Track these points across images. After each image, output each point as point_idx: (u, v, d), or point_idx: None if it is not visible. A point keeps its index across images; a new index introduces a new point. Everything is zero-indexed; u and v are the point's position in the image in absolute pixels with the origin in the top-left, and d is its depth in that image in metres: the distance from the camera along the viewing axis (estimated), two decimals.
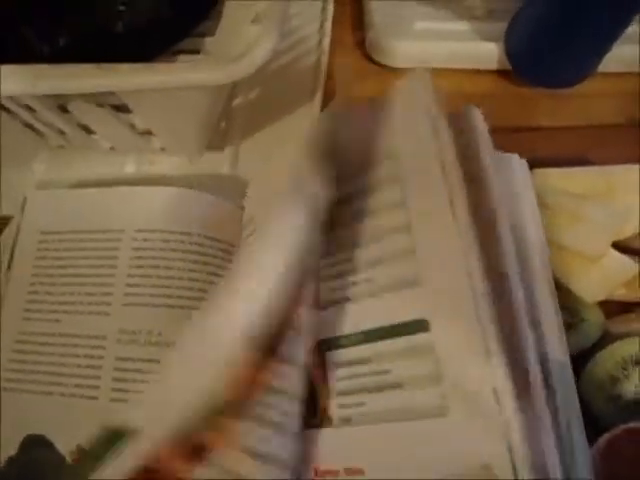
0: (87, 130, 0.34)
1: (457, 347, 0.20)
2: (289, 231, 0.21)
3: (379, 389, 0.22)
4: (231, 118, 0.39)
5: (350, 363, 0.23)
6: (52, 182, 0.38)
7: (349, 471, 0.21)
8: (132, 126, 0.34)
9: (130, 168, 0.38)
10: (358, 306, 0.23)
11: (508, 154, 0.28)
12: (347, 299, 0.24)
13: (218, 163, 0.38)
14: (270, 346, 0.20)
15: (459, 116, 0.26)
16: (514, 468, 0.18)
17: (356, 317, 0.23)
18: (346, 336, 0.23)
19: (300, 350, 0.22)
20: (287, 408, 0.21)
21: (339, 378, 0.23)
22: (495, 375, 0.19)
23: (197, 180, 0.37)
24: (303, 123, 0.39)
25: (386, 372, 0.22)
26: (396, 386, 0.21)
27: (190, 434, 0.18)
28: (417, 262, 0.22)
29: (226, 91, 0.36)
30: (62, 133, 0.35)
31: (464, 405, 0.19)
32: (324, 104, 0.40)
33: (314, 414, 0.23)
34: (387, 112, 0.26)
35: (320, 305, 0.24)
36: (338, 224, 0.25)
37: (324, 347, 0.24)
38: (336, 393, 0.22)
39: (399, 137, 0.25)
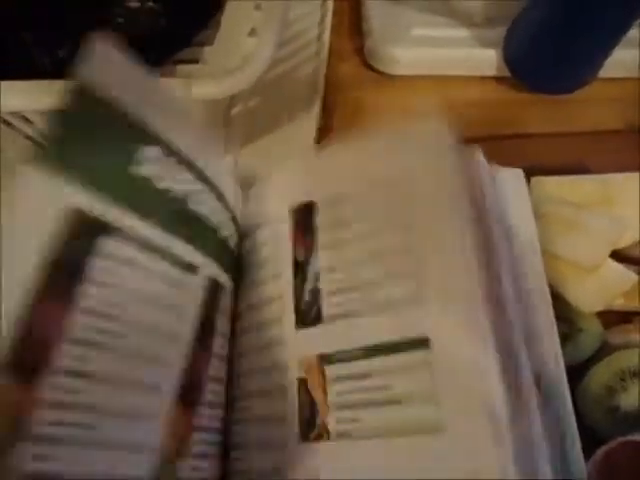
0: None
1: (456, 364, 0.21)
2: None
3: (378, 404, 0.22)
4: (230, 126, 0.40)
5: (350, 378, 0.23)
6: None
7: None
8: None
9: None
10: (358, 322, 0.24)
11: (506, 169, 0.28)
12: (347, 315, 0.24)
13: None
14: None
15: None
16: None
17: (356, 333, 0.24)
18: (346, 351, 0.23)
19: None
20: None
21: (339, 392, 0.23)
22: (493, 393, 0.20)
23: None
24: (302, 131, 0.39)
25: (385, 388, 0.22)
26: (395, 402, 0.22)
27: None
28: (418, 282, 0.23)
29: (224, 103, 0.36)
30: None
31: (461, 421, 0.20)
32: (323, 112, 0.40)
33: (313, 428, 0.23)
34: (398, 142, 0.26)
35: (321, 319, 0.25)
36: (344, 241, 0.26)
37: (324, 361, 0.24)
38: (335, 407, 0.23)
39: (411, 161, 0.25)
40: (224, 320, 0.27)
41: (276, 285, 0.28)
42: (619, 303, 0.30)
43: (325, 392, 0.23)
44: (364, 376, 0.23)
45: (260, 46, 0.27)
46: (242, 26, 0.36)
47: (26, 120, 0.32)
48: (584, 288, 0.29)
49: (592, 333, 0.29)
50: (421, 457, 0.20)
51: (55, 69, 0.31)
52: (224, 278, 0.27)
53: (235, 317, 0.30)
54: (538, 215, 0.30)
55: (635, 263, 0.30)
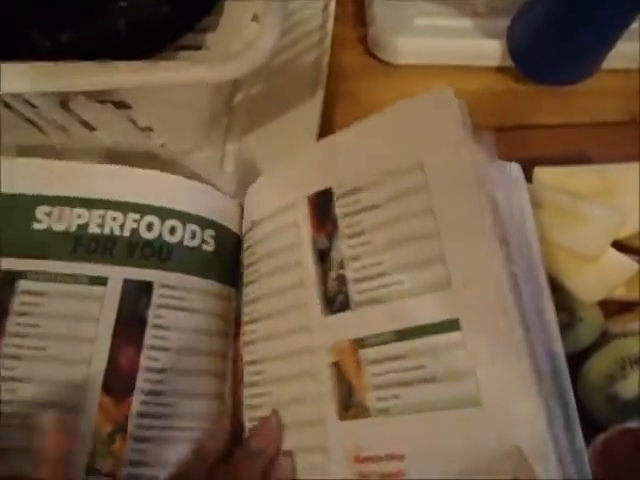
0: (88, 127, 0.34)
1: (487, 344, 0.22)
2: None
3: (414, 383, 0.24)
4: (233, 114, 0.39)
5: (384, 360, 0.25)
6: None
7: (390, 457, 0.23)
8: (133, 122, 0.34)
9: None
10: (388, 307, 0.25)
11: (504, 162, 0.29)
12: (378, 300, 0.25)
13: (219, 158, 0.38)
14: None
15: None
16: (541, 451, 0.20)
17: (387, 317, 0.25)
18: (379, 335, 0.25)
19: None
20: None
21: (375, 373, 0.25)
22: (522, 369, 0.22)
23: (197, 175, 0.37)
24: (305, 120, 0.39)
25: (420, 367, 0.24)
26: (430, 380, 0.23)
27: None
28: (447, 266, 0.24)
29: (227, 88, 0.36)
30: (64, 130, 0.35)
31: (496, 396, 0.22)
32: (325, 101, 0.40)
33: (350, 407, 0.25)
34: (410, 123, 0.27)
35: (349, 306, 0.26)
36: (366, 229, 0.27)
37: (357, 345, 0.25)
38: (373, 387, 0.24)
39: (424, 149, 0.26)
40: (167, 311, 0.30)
41: (297, 272, 0.28)
42: (619, 293, 0.30)
43: (361, 374, 0.25)
44: (398, 357, 0.24)
45: (264, 31, 0.27)
46: (245, 12, 0.36)
47: (27, 103, 0.32)
48: (585, 278, 0.29)
49: (592, 322, 0.29)
50: (458, 429, 0.22)
51: (56, 53, 0.31)
52: (155, 276, 0.30)
53: (246, 304, 0.31)
54: (539, 205, 0.30)
55: (636, 253, 0.30)
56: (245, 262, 0.32)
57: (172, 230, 0.32)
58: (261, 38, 0.27)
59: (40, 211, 0.31)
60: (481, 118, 0.31)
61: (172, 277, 0.31)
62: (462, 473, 0.22)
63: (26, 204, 0.31)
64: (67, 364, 0.28)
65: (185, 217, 0.33)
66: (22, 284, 0.30)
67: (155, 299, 0.30)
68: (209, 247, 0.33)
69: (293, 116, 0.39)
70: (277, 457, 0.26)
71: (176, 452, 0.28)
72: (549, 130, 0.39)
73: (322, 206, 0.29)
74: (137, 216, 0.32)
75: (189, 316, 0.31)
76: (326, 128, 0.39)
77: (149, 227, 0.32)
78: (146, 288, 0.30)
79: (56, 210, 0.31)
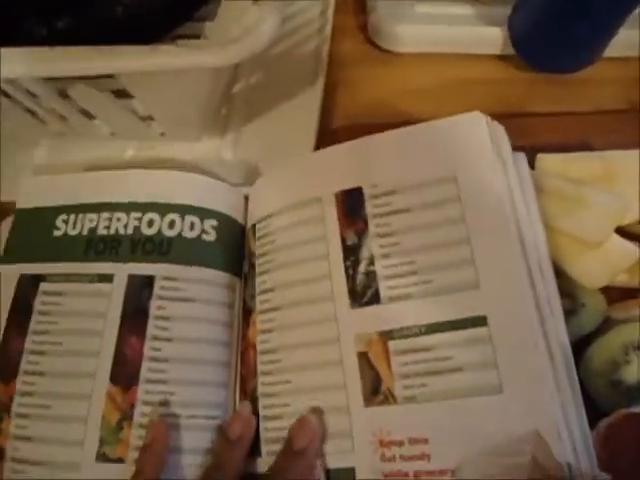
0: (88, 116, 0.34)
1: (509, 337, 0.25)
2: None
3: (441, 372, 0.25)
4: (232, 104, 0.39)
5: (412, 351, 0.26)
6: (51, 167, 0.38)
7: (413, 441, 0.25)
8: (133, 111, 0.34)
9: (130, 153, 0.38)
10: (418, 303, 0.27)
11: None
12: (408, 296, 0.27)
13: (218, 148, 0.38)
14: None
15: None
16: (557, 434, 0.22)
17: (416, 312, 0.27)
18: (408, 328, 0.27)
19: None
20: None
21: (402, 363, 0.26)
22: (538, 358, 0.24)
23: (197, 165, 0.37)
24: (305, 108, 0.39)
25: (447, 358, 0.26)
26: (456, 370, 0.25)
27: None
28: (476, 269, 0.26)
29: (227, 74, 0.36)
30: (63, 119, 0.34)
31: (517, 385, 0.24)
32: (326, 89, 0.40)
33: (377, 394, 0.26)
34: (445, 139, 0.29)
35: (379, 300, 0.28)
36: (397, 231, 0.28)
37: (386, 337, 0.27)
38: (400, 376, 0.26)
39: (458, 163, 0.28)
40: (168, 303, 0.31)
41: (323, 265, 0.30)
42: (622, 279, 0.30)
43: (389, 364, 0.26)
44: (426, 349, 0.26)
45: (265, 14, 0.26)
46: (244, 1, 0.36)
47: (27, 92, 0.31)
48: (587, 264, 0.29)
49: (595, 309, 0.29)
50: (481, 414, 0.24)
51: (52, 40, 0.30)
52: (156, 270, 0.31)
53: (259, 294, 0.31)
54: (542, 191, 0.30)
55: (638, 239, 0.30)
56: (257, 252, 0.32)
57: (171, 224, 0.33)
58: (262, 22, 0.27)
59: (60, 220, 0.34)
60: (481, 106, 0.31)
61: (172, 269, 0.32)
62: (484, 454, 0.23)
63: (49, 216, 0.34)
64: (79, 357, 0.30)
65: (183, 209, 0.33)
66: (43, 286, 0.32)
67: (156, 291, 0.31)
68: (210, 237, 0.33)
69: (293, 105, 0.39)
70: (318, 457, 0.26)
71: (181, 439, 0.28)
72: (550, 118, 0.39)
73: (351, 204, 0.30)
74: (139, 214, 0.33)
75: (190, 306, 0.31)
76: (326, 117, 0.39)
77: (150, 223, 0.33)
78: (149, 282, 0.31)
79: (72, 217, 0.34)
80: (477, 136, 0.28)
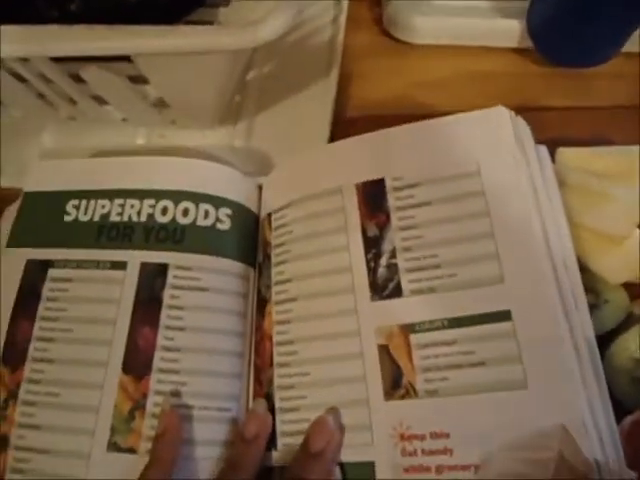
0: (99, 101, 0.33)
1: (534, 332, 0.24)
2: None
3: (463, 367, 0.25)
4: (245, 92, 0.38)
5: (434, 344, 0.26)
6: (59, 153, 0.37)
7: (435, 435, 0.25)
8: (145, 97, 0.33)
9: (140, 141, 0.37)
10: (441, 296, 0.27)
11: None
12: (430, 290, 0.27)
13: (231, 137, 0.37)
14: None
15: None
16: (583, 430, 0.22)
17: (439, 306, 0.26)
18: (430, 321, 0.26)
19: None
20: None
21: (424, 357, 0.26)
22: (564, 353, 0.24)
23: (209, 153, 0.37)
24: (319, 99, 0.38)
25: (470, 353, 0.25)
26: (479, 364, 0.25)
27: None
28: (501, 263, 0.26)
29: (244, 59, 0.35)
30: (74, 103, 0.34)
31: (541, 380, 0.24)
32: (341, 80, 0.39)
33: (398, 388, 0.26)
34: (469, 133, 0.29)
35: (400, 293, 0.27)
36: (419, 224, 0.28)
37: (408, 330, 0.27)
38: (422, 370, 0.26)
39: (482, 158, 0.28)
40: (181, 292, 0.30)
41: (343, 257, 0.29)
42: None
43: (410, 357, 0.26)
44: (448, 343, 0.26)
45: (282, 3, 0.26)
46: None
47: (40, 76, 0.31)
48: (610, 259, 0.29)
49: (617, 304, 0.28)
50: (505, 410, 0.24)
51: (64, 23, 0.30)
52: (170, 258, 0.31)
53: (276, 284, 0.31)
54: (564, 185, 0.29)
55: None
56: (273, 242, 0.32)
57: (185, 212, 0.32)
58: (282, 6, 0.26)
59: (70, 205, 0.33)
60: (498, 100, 0.31)
61: (186, 258, 0.31)
62: (508, 450, 0.23)
63: (58, 200, 0.34)
64: (91, 345, 0.30)
65: (198, 197, 0.32)
66: (52, 272, 0.32)
67: (170, 280, 0.30)
68: (224, 225, 0.32)
69: (307, 95, 0.39)
70: (336, 460, 0.26)
71: (193, 430, 0.28)
72: (566, 112, 0.38)
73: (373, 196, 0.30)
74: (152, 202, 0.32)
75: (204, 295, 0.30)
76: (341, 108, 0.39)
77: (164, 211, 0.32)
78: (162, 270, 0.31)
79: (83, 203, 0.33)
80: (501, 130, 0.28)
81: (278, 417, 0.28)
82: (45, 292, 0.31)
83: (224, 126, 0.37)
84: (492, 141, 0.28)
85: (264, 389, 0.29)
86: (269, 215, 0.33)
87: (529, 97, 0.39)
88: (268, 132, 0.38)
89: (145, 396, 0.28)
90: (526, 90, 0.39)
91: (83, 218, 0.33)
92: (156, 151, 0.36)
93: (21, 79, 0.31)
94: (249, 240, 0.33)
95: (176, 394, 0.28)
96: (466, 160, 0.28)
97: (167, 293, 0.30)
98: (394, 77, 0.40)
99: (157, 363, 0.28)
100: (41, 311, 0.30)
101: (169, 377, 0.28)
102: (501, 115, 0.29)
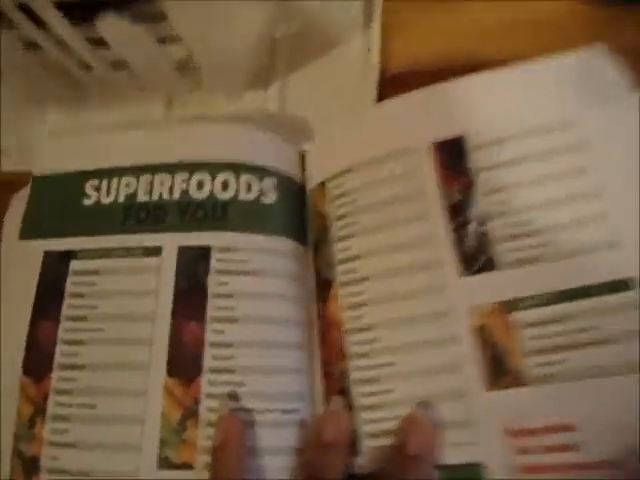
0: (115, 66, 0.29)
1: None
2: None
3: (581, 346, 0.22)
4: (275, 52, 0.34)
5: (545, 322, 0.22)
6: (69, 131, 0.33)
7: (554, 428, 0.21)
8: (169, 57, 0.29)
9: (159, 110, 0.33)
10: (542, 268, 0.23)
11: None
12: (529, 261, 0.23)
13: (262, 101, 0.33)
14: None
15: None
16: None
17: (542, 278, 0.23)
18: (534, 297, 0.23)
19: None
20: None
21: (531, 337, 0.22)
22: None
23: (240, 120, 0.32)
24: (360, 54, 0.33)
25: (589, 329, 0.22)
26: (601, 343, 0.21)
27: None
28: (611, 225, 0.22)
29: (281, 10, 0.30)
30: (88, 68, 0.29)
31: None
32: (384, 32, 0.34)
33: (502, 375, 0.22)
34: (560, 78, 0.25)
35: (494, 266, 0.24)
36: (510, 185, 0.25)
37: (508, 307, 0.23)
38: (531, 352, 0.22)
39: (579, 105, 0.25)
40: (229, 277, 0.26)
41: (421, 227, 0.25)
42: None
43: (514, 338, 0.22)
44: (559, 320, 0.22)
45: None
46: None
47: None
48: None
49: None
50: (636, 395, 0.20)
51: None
52: (211, 239, 0.27)
53: (341, 262, 0.26)
54: None
55: None
56: (333, 214, 0.27)
57: (224, 185, 0.28)
58: None
59: (89, 186, 0.29)
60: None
61: (230, 238, 0.27)
62: None
63: (75, 182, 0.29)
64: (128, 346, 0.25)
65: (238, 168, 0.28)
66: (74, 264, 0.27)
67: (214, 264, 0.26)
68: (269, 199, 0.28)
69: (345, 53, 0.34)
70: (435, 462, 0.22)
71: (256, 437, 0.23)
72: None
73: (451, 156, 0.26)
74: (185, 175, 0.28)
75: (255, 280, 0.26)
76: (385, 65, 0.34)
77: (199, 185, 0.28)
78: (204, 254, 0.26)
79: (104, 183, 0.29)
80: (602, 72, 0.25)
81: (359, 416, 0.24)
82: (69, 288, 0.27)
83: (254, 90, 0.33)
84: (592, 85, 0.24)
85: (337, 384, 0.25)
86: (322, 184, 0.28)
87: (585, 40, 0.35)
88: (304, 95, 0.33)
89: (197, 401, 0.24)
90: (583, 36, 0.35)
91: (105, 200, 0.28)
92: (179, 121, 0.32)
93: (29, 46, 0.26)
94: (298, 214, 0.29)
95: (233, 397, 0.24)
96: (562, 109, 0.25)
97: (212, 280, 0.26)
98: (442, 27, 0.36)
99: (207, 362, 0.24)
100: (66, 310, 0.26)
101: (223, 377, 0.24)
102: (599, 55, 0.25)
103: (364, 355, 0.24)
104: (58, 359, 0.25)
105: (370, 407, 0.24)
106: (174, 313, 0.25)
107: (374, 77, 0.32)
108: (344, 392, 0.24)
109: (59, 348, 0.25)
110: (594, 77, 0.25)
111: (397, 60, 0.35)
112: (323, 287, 0.27)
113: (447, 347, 0.23)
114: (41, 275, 0.27)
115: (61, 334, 0.26)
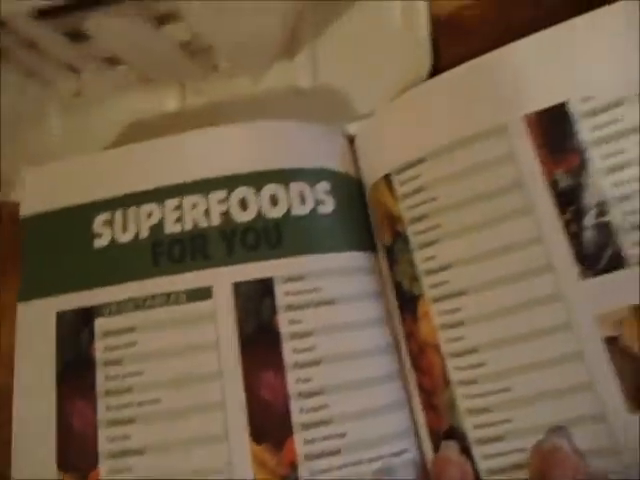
0: (110, 62, 0.23)
1: None
2: None
3: None
4: (299, 18, 0.27)
5: None
6: (69, 147, 0.27)
7: None
8: (172, 40, 0.22)
9: (172, 104, 0.27)
10: None
11: None
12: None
13: (291, 76, 0.27)
14: None
15: None
16: None
17: None
18: None
19: None
20: None
21: None
22: None
23: (265, 105, 0.27)
24: (405, 13, 0.27)
25: None
26: None
27: None
28: None
29: None
30: (76, 72, 0.23)
31: None
32: None
33: None
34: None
35: (622, 262, 0.20)
36: (630, 162, 0.20)
37: None
38: None
39: None
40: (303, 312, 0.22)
41: (526, 223, 0.21)
42: None
43: None
44: None
45: None
46: None
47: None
48: None
49: None
50: None
51: None
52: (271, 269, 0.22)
53: (428, 274, 0.22)
54: None
55: None
56: (407, 215, 0.23)
57: (273, 200, 0.23)
58: None
59: (98, 222, 0.23)
60: None
61: (294, 264, 0.22)
62: None
63: (79, 218, 0.24)
64: (194, 415, 0.21)
65: (284, 175, 0.23)
66: (100, 323, 0.22)
67: (281, 299, 0.22)
68: (327, 207, 0.23)
69: (382, 6, 0.27)
70: None
71: None
72: None
73: (554, 129, 0.21)
74: (223, 193, 0.23)
75: (333, 309, 0.22)
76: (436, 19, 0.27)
77: (242, 205, 0.23)
78: (266, 288, 0.22)
79: (118, 215, 0.23)
80: None
81: (476, 451, 0.21)
82: (99, 354, 0.22)
83: (278, 63, 0.27)
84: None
85: (444, 417, 0.21)
86: (387, 177, 0.23)
87: None
88: (339, 64, 0.27)
89: (294, 467, 0.20)
90: None
91: (123, 238, 0.23)
92: (195, 113, 0.26)
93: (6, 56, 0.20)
94: (361, 217, 0.24)
95: (335, 452, 0.21)
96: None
97: (283, 318, 0.21)
98: None
99: (297, 417, 0.21)
100: (102, 383, 0.21)
101: (319, 431, 0.21)
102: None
103: (473, 382, 0.21)
104: (104, 446, 0.21)
105: (486, 440, 0.20)
106: (244, 365, 0.21)
107: (424, 35, 0.26)
108: (453, 428, 0.21)
109: (102, 432, 0.21)
110: None
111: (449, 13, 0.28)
112: (407, 303, 0.23)
113: (573, 364, 0.19)
114: (58, 343, 0.22)
115: (101, 414, 0.21)
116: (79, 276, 0.23)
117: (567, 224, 0.20)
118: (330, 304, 0.22)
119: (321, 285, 0.22)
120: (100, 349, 0.22)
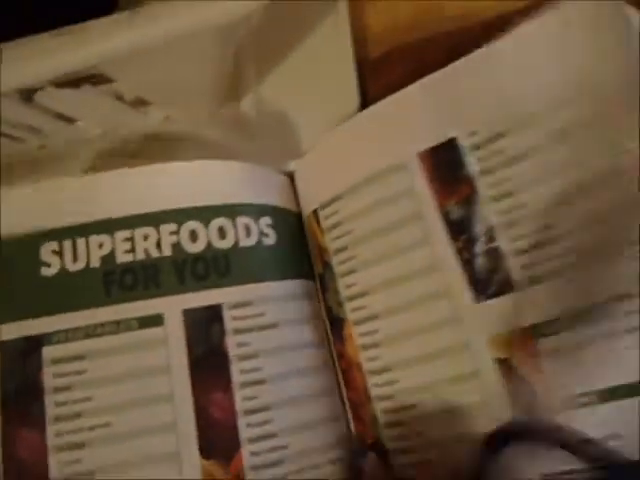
0: (67, 120, 0.24)
1: None
2: None
3: None
4: (240, 57, 0.29)
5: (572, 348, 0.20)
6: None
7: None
8: (121, 99, 0.24)
9: (130, 147, 0.28)
10: (575, 279, 0.20)
11: None
12: (554, 275, 0.20)
13: (236, 117, 0.29)
14: None
15: None
16: None
17: (575, 292, 0.20)
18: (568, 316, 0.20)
19: None
20: None
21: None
22: None
23: (217, 142, 0.29)
24: (333, 41, 0.30)
25: None
26: None
27: None
28: None
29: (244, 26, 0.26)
30: (36, 131, 0.24)
31: None
32: (351, 11, 0.30)
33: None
34: (567, 37, 0.21)
35: (511, 286, 0.21)
36: (520, 186, 0.21)
37: (534, 334, 0.21)
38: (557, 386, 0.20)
39: (589, 68, 0.21)
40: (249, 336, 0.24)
41: (424, 252, 0.23)
42: None
43: (541, 370, 0.20)
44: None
45: None
46: None
47: None
48: None
49: None
50: None
51: None
52: (220, 296, 0.24)
53: (349, 299, 0.25)
54: None
55: None
56: (331, 246, 0.25)
57: (221, 232, 0.25)
58: None
59: (45, 251, 0.24)
60: None
61: (241, 291, 0.24)
62: None
63: (25, 247, 0.24)
64: (146, 436, 0.22)
65: (232, 210, 0.25)
66: (47, 351, 0.23)
67: (229, 324, 0.24)
68: (270, 240, 0.25)
69: (316, 43, 0.30)
70: None
71: None
72: None
73: (444, 163, 0.23)
74: (173, 226, 0.24)
75: (277, 332, 0.24)
76: (361, 46, 0.30)
77: (192, 237, 0.24)
78: (214, 314, 0.24)
79: (67, 245, 0.24)
80: (613, 25, 0.20)
81: (394, 461, 0.23)
82: (48, 382, 0.22)
83: (224, 107, 0.29)
84: (601, 42, 0.20)
85: (368, 428, 0.24)
86: (315, 212, 0.26)
87: None
88: (282, 99, 0.29)
89: (240, 478, 0.22)
90: None
91: (74, 267, 0.23)
92: (150, 154, 0.28)
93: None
94: (299, 248, 0.27)
95: (277, 463, 0.23)
96: (569, 78, 0.21)
97: (230, 342, 0.23)
98: (415, 15, 0.32)
99: (244, 432, 0.22)
100: (51, 409, 0.22)
101: (265, 444, 0.22)
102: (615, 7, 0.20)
103: (389, 397, 0.23)
104: (55, 473, 0.21)
105: (401, 451, 0.23)
106: (194, 388, 0.23)
107: (350, 63, 0.29)
108: (377, 439, 0.23)
109: (53, 458, 0.21)
110: (607, 35, 0.20)
111: (374, 39, 0.31)
112: (336, 326, 0.25)
113: (469, 383, 0.21)
114: (3, 372, 0.22)
115: (51, 440, 0.21)
116: (25, 305, 0.23)
117: (460, 252, 0.22)
118: (274, 327, 0.24)
119: (265, 310, 0.24)
120: (49, 375, 0.22)
